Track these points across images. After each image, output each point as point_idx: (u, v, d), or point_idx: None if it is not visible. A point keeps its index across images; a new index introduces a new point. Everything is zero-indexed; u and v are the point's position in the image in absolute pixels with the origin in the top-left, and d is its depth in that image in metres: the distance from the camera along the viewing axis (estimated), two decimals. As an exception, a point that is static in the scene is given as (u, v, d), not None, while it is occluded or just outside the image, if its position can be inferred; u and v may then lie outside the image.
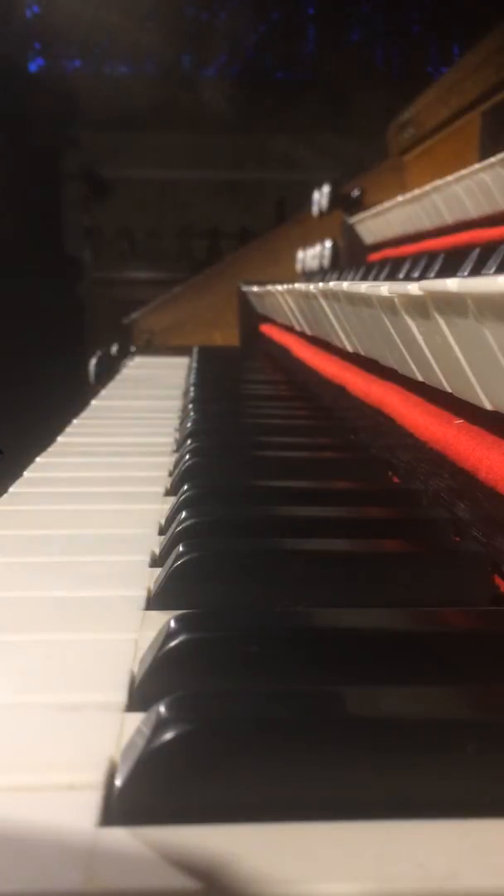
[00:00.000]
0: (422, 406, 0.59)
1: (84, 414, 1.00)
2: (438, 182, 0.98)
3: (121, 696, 0.31)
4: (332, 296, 0.80)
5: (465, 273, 0.57)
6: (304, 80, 4.43)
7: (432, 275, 0.68)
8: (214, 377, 1.25)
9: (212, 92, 4.25)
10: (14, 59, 4.15)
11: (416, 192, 1.07)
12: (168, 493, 0.62)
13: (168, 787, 0.25)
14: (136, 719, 0.29)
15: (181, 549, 0.42)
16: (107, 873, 0.22)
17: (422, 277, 0.70)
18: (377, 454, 0.68)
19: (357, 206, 1.72)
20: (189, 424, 0.82)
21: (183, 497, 0.54)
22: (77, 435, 0.86)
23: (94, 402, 1.09)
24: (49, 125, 4.12)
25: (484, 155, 1.05)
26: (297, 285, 1.07)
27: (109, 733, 0.29)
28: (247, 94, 4.30)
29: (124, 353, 1.74)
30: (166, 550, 0.47)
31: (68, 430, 0.89)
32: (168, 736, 0.25)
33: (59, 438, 0.83)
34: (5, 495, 0.61)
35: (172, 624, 0.33)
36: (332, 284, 0.77)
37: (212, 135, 4.45)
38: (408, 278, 0.75)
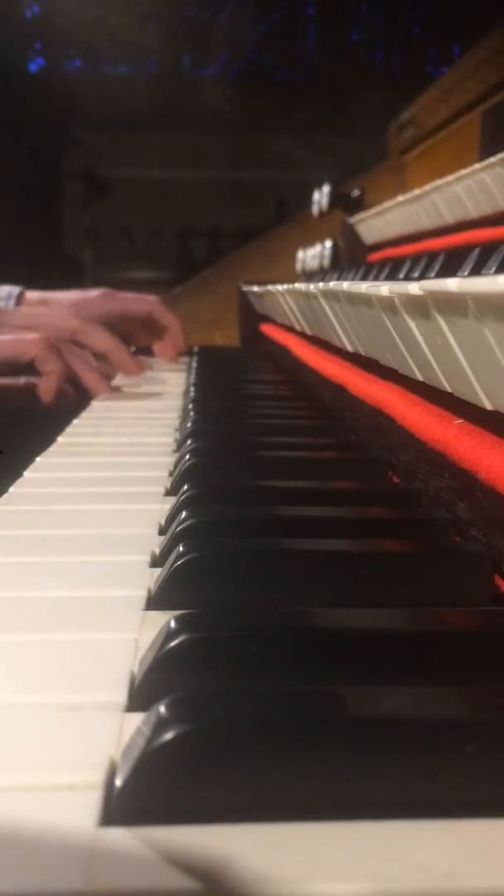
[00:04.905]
0: (422, 406, 0.59)
1: (84, 414, 1.00)
2: (438, 182, 0.98)
3: (121, 696, 0.31)
4: (332, 296, 0.80)
5: (465, 273, 0.57)
6: (304, 81, 4.43)
7: (432, 275, 0.68)
8: (214, 377, 1.25)
9: (212, 92, 4.26)
10: (14, 59, 4.16)
11: (416, 192, 1.07)
12: (168, 493, 0.62)
13: (168, 786, 0.25)
14: (136, 719, 0.29)
15: (181, 548, 0.42)
16: (107, 873, 0.22)
17: (422, 277, 0.70)
18: (377, 454, 0.68)
19: (357, 206, 1.72)
20: (189, 424, 0.82)
21: (183, 497, 0.54)
22: (77, 435, 0.86)
23: (94, 402, 1.09)
24: (49, 125, 4.12)
25: (484, 155, 1.05)
26: (297, 285, 1.07)
27: (109, 733, 0.29)
28: (247, 94, 4.30)
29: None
30: (166, 550, 0.47)
31: (68, 430, 0.89)
32: (168, 736, 0.25)
33: (59, 438, 0.83)
34: (5, 495, 0.61)
35: (173, 624, 0.33)
36: (332, 284, 0.77)
37: (212, 135, 4.45)
38: (408, 278, 0.75)
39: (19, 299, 1.42)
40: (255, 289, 1.58)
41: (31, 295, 1.46)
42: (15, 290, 1.43)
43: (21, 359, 1.11)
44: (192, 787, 0.25)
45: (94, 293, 1.48)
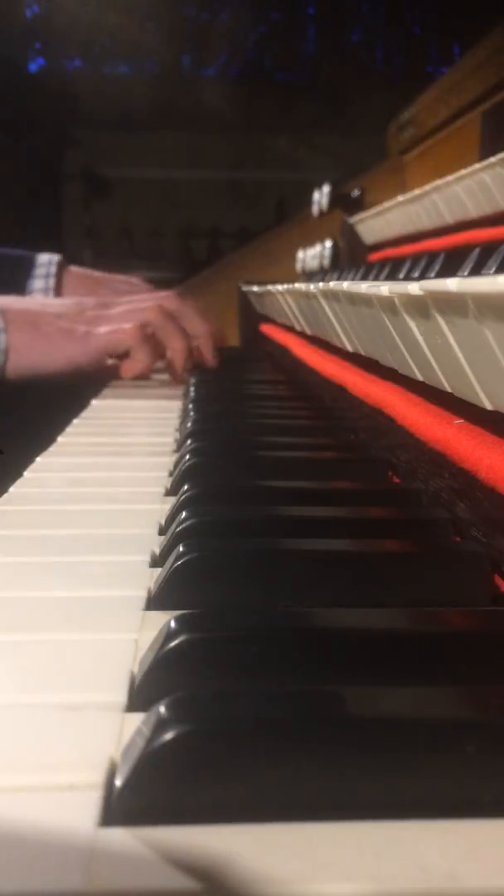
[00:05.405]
0: (422, 406, 0.59)
1: (84, 414, 1.00)
2: (438, 182, 0.98)
3: (121, 696, 0.31)
4: (332, 296, 0.80)
5: (465, 273, 0.57)
6: (304, 81, 4.42)
7: (432, 275, 0.68)
8: (214, 377, 1.25)
9: (212, 92, 4.25)
10: (14, 59, 4.15)
11: (416, 192, 1.07)
12: (168, 493, 0.62)
13: (168, 787, 0.25)
14: (136, 719, 0.29)
15: (181, 549, 0.42)
16: (107, 873, 0.22)
17: (422, 277, 0.70)
18: (377, 454, 0.68)
19: (357, 206, 1.72)
20: (189, 424, 0.82)
21: (183, 497, 0.54)
22: (77, 435, 0.86)
23: (94, 402, 1.09)
24: (49, 125, 4.11)
25: (484, 155, 1.05)
26: (297, 285, 1.07)
27: (109, 733, 0.29)
28: (247, 94, 4.30)
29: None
30: (166, 550, 0.47)
31: (68, 430, 0.89)
32: (168, 736, 0.25)
33: (59, 438, 0.83)
34: (5, 495, 0.61)
35: (173, 624, 0.33)
36: (332, 284, 0.77)
37: (212, 135, 4.45)
38: (408, 278, 0.75)
39: (60, 267, 1.48)
40: (255, 289, 1.58)
41: (75, 269, 1.51)
42: (55, 257, 1.48)
43: (119, 349, 1.22)
44: (192, 787, 0.25)
45: (144, 295, 1.48)
